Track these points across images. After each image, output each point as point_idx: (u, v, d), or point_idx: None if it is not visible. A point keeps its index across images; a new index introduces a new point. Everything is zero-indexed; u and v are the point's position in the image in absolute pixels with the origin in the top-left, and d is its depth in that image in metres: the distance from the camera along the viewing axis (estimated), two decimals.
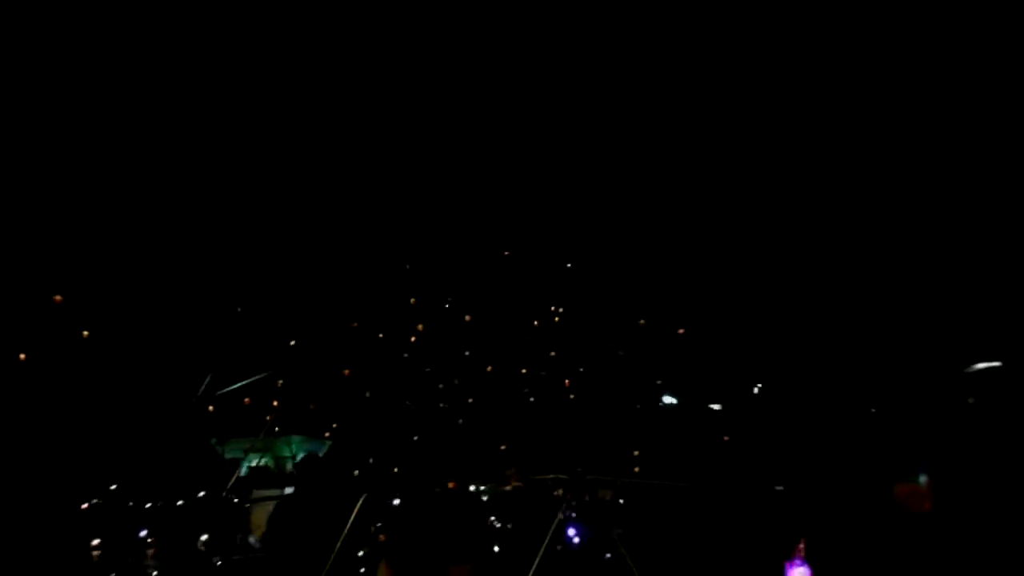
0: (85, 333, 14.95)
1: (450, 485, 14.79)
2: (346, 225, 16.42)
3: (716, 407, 17.48)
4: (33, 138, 13.88)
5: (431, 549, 11.49)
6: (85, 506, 15.68)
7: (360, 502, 13.55)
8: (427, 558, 11.44)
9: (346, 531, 13.54)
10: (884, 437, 16.60)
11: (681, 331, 17.43)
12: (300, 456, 17.63)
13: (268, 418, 16.47)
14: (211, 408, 16.28)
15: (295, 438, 17.78)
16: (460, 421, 16.75)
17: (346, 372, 16.41)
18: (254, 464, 17.68)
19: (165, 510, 15.97)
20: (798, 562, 12.88)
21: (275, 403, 16.62)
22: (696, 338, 17.49)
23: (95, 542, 15.38)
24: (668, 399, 17.14)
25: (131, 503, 16.33)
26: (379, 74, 15.44)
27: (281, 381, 16.69)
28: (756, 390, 17.32)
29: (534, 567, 10.75)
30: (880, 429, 16.84)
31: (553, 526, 14.14)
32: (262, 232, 16.12)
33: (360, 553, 14.30)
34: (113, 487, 16.76)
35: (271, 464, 17.70)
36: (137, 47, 13.82)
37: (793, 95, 16.51)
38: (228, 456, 17.51)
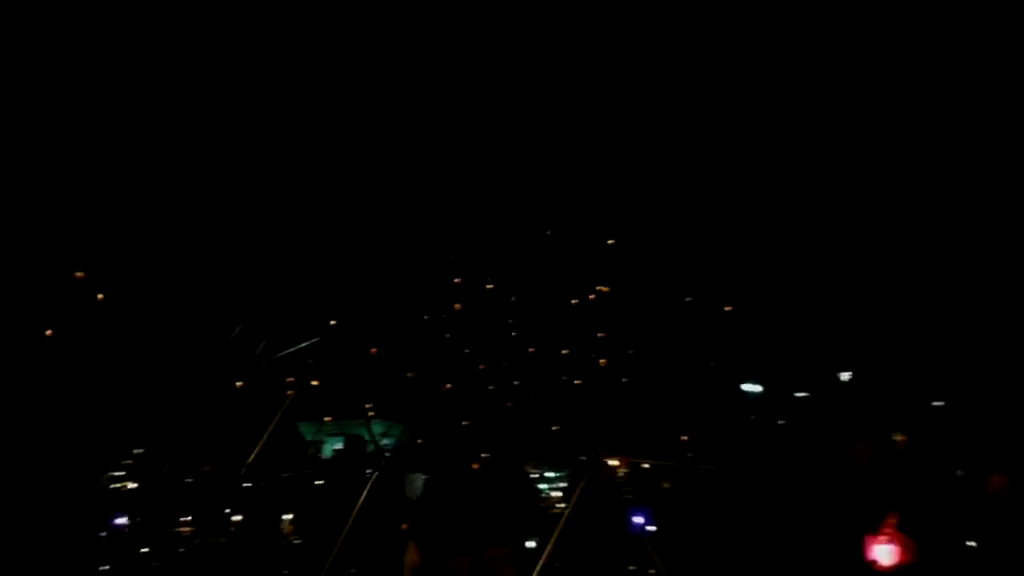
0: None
1: (474, 466, 14.84)
2: (392, 211, 16.62)
3: (801, 394, 16.93)
4: (51, 136, 14.30)
5: (463, 530, 11.42)
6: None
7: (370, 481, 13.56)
8: (458, 540, 11.37)
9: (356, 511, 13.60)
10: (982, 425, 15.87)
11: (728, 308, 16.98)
12: (383, 442, 17.90)
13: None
14: (290, 393, 16.73)
15: (375, 421, 18.07)
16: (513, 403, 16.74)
17: (410, 373, 16.60)
18: (337, 447, 18.03)
19: (250, 490, 16.54)
20: (885, 538, 11.12)
21: (350, 384, 16.93)
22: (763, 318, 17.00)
23: (185, 519, 16.16)
24: (750, 386, 16.68)
25: (219, 482, 17.01)
26: (421, 63, 15.53)
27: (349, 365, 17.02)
28: (843, 376, 16.70)
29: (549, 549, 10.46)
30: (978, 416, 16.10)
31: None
32: (314, 224, 16.44)
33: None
34: (207, 467, 17.37)
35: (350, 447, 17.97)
36: (140, 47, 14.20)
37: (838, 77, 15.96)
38: (310, 438, 17.94)
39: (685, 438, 16.29)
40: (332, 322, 16.73)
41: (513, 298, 17.07)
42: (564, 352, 16.98)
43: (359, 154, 15.76)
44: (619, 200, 17.09)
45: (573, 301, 17.11)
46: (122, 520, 15.50)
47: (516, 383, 16.95)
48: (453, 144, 16.34)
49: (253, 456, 16.26)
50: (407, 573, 11.63)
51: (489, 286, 16.93)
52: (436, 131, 16.11)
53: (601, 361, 16.67)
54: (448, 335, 17.05)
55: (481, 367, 17.03)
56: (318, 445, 17.82)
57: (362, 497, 16.41)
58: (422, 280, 17.13)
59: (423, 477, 16.68)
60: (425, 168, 16.33)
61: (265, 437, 16.24)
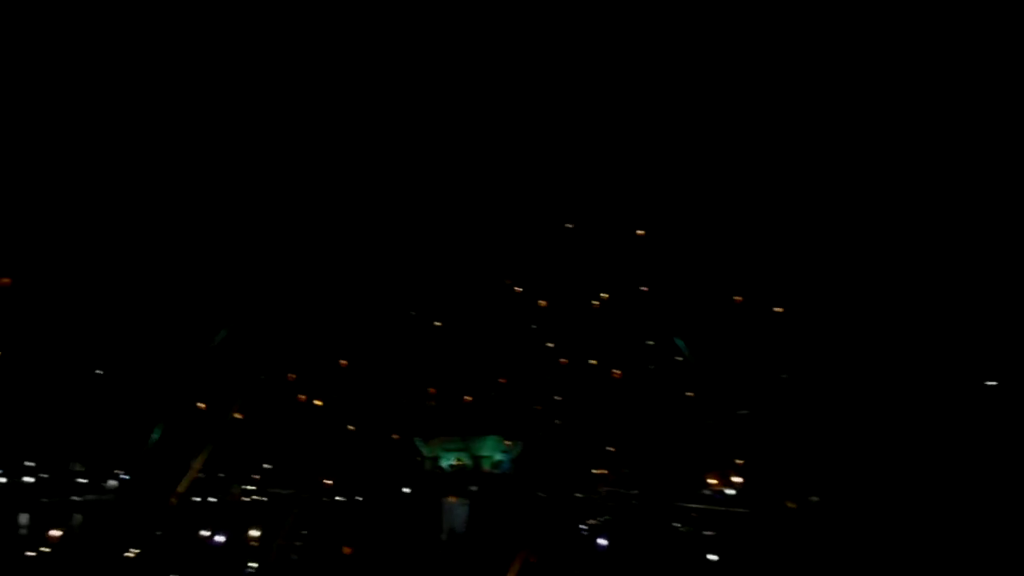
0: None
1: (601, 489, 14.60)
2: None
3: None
4: (59, 136, 14.53)
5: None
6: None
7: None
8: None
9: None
10: None
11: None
12: (496, 456, 17.83)
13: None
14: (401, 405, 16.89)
15: (491, 438, 18.00)
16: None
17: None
18: (453, 463, 18.07)
19: (363, 504, 16.78)
20: None
21: (467, 399, 16.95)
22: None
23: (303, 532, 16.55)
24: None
25: (340, 497, 17.33)
26: (437, 61, 15.29)
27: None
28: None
29: None
30: None
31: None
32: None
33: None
34: (329, 481, 17.70)
35: (468, 463, 18.01)
36: (140, 47, 14.42)
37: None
38: (428, 455, 18.03)
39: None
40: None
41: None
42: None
43: (397, 156, 15.75)
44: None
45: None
46: (220, 537, 16.12)
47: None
48: (486, 143, 16.13)
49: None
50: None
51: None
52: (464, 132, 15.94)
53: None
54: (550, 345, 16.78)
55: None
56: (435, 459, 17.88)
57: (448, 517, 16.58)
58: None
59: (465, 504, 16.72)
60: (463, 169, 16.20)
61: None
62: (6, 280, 13.61)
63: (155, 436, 15.32)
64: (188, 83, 14.43)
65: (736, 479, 17.36)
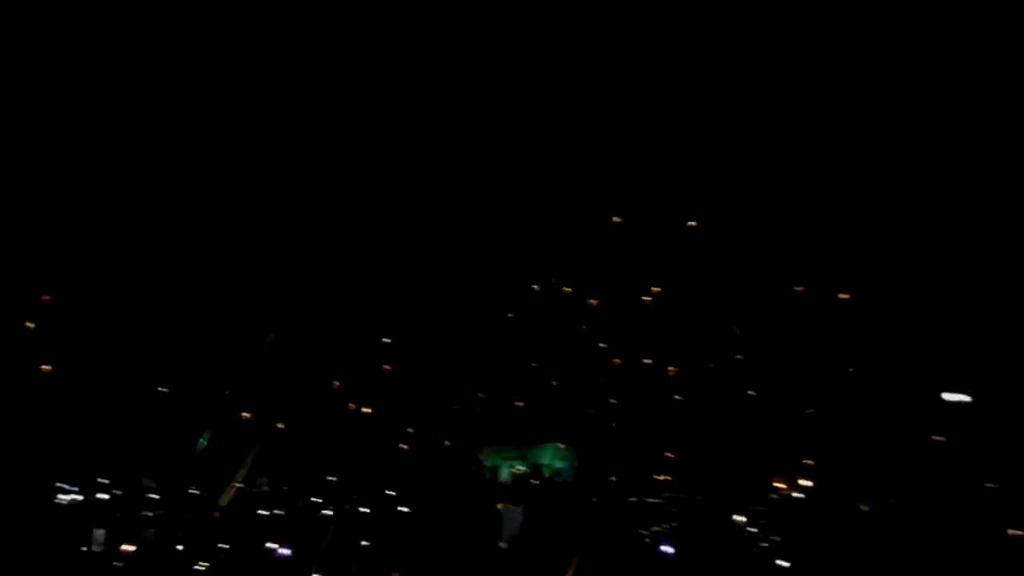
0: None
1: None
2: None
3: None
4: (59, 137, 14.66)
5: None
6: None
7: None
8: None
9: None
10: None
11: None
12: (555, 464, 17.70)
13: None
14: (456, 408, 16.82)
15: (549, 446, 17.86)
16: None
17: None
18: (512, 471, 17.98)
19: (421, 515, 16.78)
20: None
21: (519, 404, 16.80)
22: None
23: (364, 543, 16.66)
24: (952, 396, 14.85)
25: (398, 508, 17.39)
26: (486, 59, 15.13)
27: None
28: None
29: None
30: None
31: None
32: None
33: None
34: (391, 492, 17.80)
35: (527, 470, 17.90)
36: (138, 47, 14.52)
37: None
38: (487, 463, 17.98)
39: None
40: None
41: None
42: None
43: (439, 157, 15.67)
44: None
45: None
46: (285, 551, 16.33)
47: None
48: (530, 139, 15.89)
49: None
50: None
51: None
52: (503, 130, 15.75)
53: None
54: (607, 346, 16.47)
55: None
56: (495, 469, 17.83)
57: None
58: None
59: (522, 512, 16.47)
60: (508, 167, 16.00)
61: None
62: (47, 297, 14.07)
63: (203, 443, 15.63)
64: (227, 88, 14.69)
65: (804, 482, 16.83)
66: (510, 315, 16.64)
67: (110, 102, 14.19)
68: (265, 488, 19.60)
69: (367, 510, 17.27)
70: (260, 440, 15.85)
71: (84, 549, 16.34)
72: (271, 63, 14.49)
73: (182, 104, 14.51)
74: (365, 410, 16.47)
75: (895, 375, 15.85)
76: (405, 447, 17.15)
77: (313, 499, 18.34)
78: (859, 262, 15.54)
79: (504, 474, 18.05)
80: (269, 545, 17.07)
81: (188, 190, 15.02)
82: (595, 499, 16.42)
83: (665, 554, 16.46)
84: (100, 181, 14.50)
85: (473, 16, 14.64)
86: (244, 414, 15.71)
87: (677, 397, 16.72)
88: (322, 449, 16.89)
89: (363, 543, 16.47)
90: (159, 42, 14.15)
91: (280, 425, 15.93)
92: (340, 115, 15.25)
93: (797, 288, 16.04)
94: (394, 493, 17.58)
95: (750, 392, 16.28)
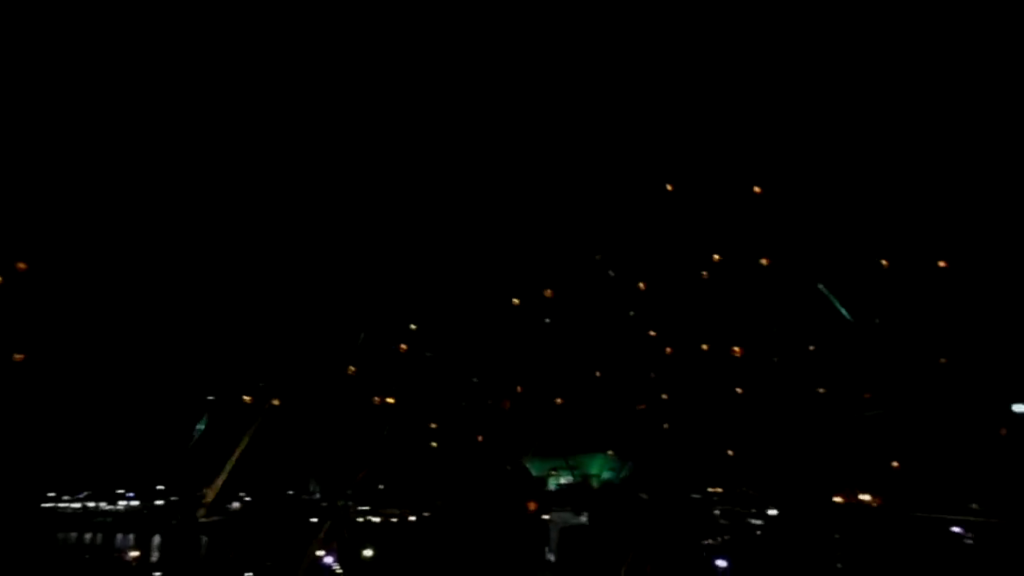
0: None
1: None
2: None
3: None
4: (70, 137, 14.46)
5: None
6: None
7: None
8: None
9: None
10: None
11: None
12: (605, 475, 17.27)
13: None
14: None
15: (599, 456, 17.43)
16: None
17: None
18: (562, 481, 17.62)
19: (470, 523, 16.50)
20: None
21: (558, 401, 16.14)
22: None
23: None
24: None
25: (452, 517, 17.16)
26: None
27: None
28: None
29: None
30: None
31: None
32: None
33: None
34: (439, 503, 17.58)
35: (577, 480, 17.52)
36: (139, 47, 14.28)
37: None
38: (536, 474, 17.66)
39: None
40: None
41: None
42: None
43: (476, 149, 15.08)
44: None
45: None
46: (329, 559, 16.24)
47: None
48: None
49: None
50: None
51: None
52: (539, 115, 15.07)
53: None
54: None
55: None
56: (543, 479, 17.49)
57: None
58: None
59: (572, 522, 15.96)
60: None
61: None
62: (22, 265, 13.88)
63: (200, 427, 15.40)
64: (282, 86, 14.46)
65: (865, 496, 15.99)
66: (548, 293, 15.36)
67: (110, 102, 14.25)
68: (317, 495, 19.62)
69: (413, 518, 17.13)
70: (254, 422, 15.37)
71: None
72: (301, 69, 14.42)
73: (199, 102, 14.48)
74: (389, 400, 15.69)
75: (967, 384, 14.88)
76: (436, 445, 16.58)
77: (360, 507, 18.25)
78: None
79: (551, 484, 17.67)
80: (317, 553, 17.08)
81: (196, 185, 14.95)
82: (647, 511, 15.86)
83: (719, 568, 15.88)
84: (100, 178, 14.54)
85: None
86: (245, 397, 15.33)
87: (738, 390, 15.55)
88: (368, 455, 16.72)
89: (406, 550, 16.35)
90: (161, 43, 14.16)
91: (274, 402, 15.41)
92: (382, 105, 14.97)
93: (883, 261, 14.59)
94: (441, 503, 17.34)
95: (820, 390, 15.16)
